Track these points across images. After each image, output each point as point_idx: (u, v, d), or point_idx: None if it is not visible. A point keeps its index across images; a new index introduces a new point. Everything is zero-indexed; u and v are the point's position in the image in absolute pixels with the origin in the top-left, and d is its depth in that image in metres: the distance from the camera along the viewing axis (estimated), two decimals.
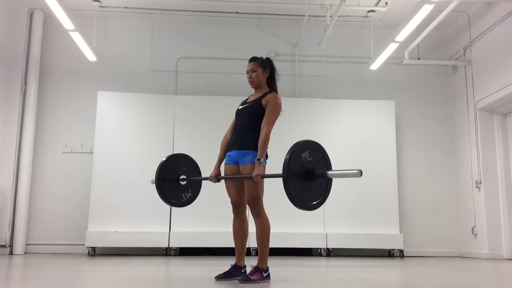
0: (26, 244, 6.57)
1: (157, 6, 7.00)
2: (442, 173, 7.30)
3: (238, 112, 3.58)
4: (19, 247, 6.42)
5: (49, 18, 6.92)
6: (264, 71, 3.55)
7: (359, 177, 2.74)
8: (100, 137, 6.52)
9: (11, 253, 6.41)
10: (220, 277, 3.42)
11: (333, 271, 4.58)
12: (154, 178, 3.68)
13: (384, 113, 6.99)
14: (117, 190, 6.38)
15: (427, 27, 6.41)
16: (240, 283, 3.23)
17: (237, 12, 7.10)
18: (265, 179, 3.36)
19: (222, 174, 3.55)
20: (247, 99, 3.64)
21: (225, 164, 3.54)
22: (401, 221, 6.80)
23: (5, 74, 6.76)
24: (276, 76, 3.61)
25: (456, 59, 7.24)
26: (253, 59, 3.59)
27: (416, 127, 7.39)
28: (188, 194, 3.82)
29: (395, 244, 6.63)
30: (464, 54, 7.06)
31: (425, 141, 7.38)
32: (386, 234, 6.61)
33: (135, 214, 6.32)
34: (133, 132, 6.63)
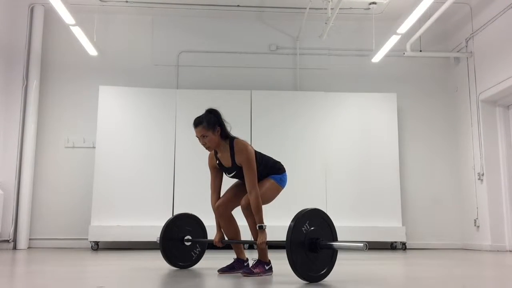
0: (30, 239, 6.60)
1: (158, 0, 6.98)
2: (444, 166, 7.29)
3: (231, 177, 3.44)
4: (22, 242, 6.45)
5: (49, 12, 6.91)
6: (215, 132, 3.27)
7: (364, 251, 2.70)
8: (102, 131, 6.53)
9: (14, 248, 6.44)
10: (223, 271, 3.43)
11: (335, 264, 4.58)
12: (158, 239, 3.72)
13: (386, 105, 6.98)
14: (119, 185, 6.40)
15: (428, 19, 6.38)
16: (243, 276, 3.24)
17: (238, 6, 7.07)
18: (272, 188, 3.35)
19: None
20: (218, 157, 3.39)
21: None
22: (404, 213, 6.80)
23: (6, 70, 6.76)
24: (227, 125, 3.35)
25: (458, 51, 7.21)
26: (198, 124, 3.30)
27: (418, 120, 7.38)
28: (197, 250, 3.87)
29: (398, 237, 6.64)
30: (466, 46, 7.04)
31: (427, 133, 7.37)
32: (388, 226, 6.62)
33: (137, 208, 6.33)
34: (134, 127, 6.63)
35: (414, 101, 7.41)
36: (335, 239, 3.01)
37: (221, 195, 3.50)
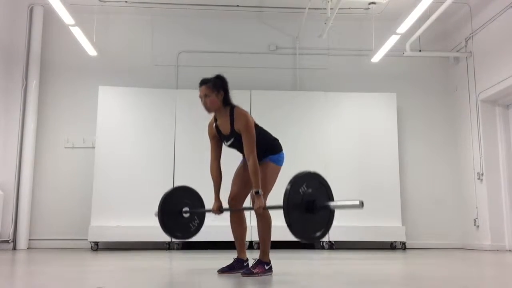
0: (29, 239, 6.59)
1: (157, 0, 6.97)
2: (444, 165, 7.29)
3: (229, 146, 3.47)
4: (22, 243, 6.45)
5: (49, 13, 6.90)
6: (218, 94, 3.32)
7: (360, 208, 2.72)
8: (101, 132, 6.52)
9: (14, 248, 6.44)
10: (223, 271, 3.43)
11: (335, 264, 4.59)
12: (157, 212, 3.69)
13: (385, 105, 6.98)
14: (119, 185, 6.40)
15: (428, 18, 6.37)
16: (243, 276, 3.24)
17: (238, 6, 7.07)
18: (271, 173, 3.35)
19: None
20: (217, 124, 3.44)
21: (241, 162, 3.54)
22: (403, 213, 6.80)
23: (5, 70, 6.76)
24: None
25: (457, 51, 7.21)
26: (204, 83, 3.35)
27: (417, 119, 7.38)
28: (196, 221, 3.83)
29: (397, 237, 6.64)
30: (465, 46, 7.03)
31: (427, 133, 7.37)
32: (388, 226, 6.61)
33: (137, 209, 6.32)
34: (134, 127, 6.63)
35: (413, 101, 7.41)
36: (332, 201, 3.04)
37: (229, 188, 3.52)
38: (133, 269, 3.92)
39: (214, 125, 3.47)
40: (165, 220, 3.62)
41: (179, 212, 3.72)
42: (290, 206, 2.80)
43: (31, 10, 6.96)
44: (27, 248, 6.49)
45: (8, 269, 4.02)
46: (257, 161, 3.23)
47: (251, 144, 3.25)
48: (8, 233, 6.44)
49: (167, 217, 3.64)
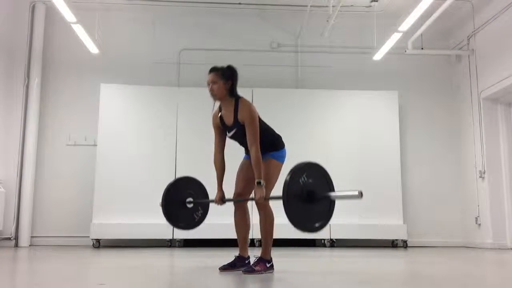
0: (31, 237, 6.61)
1: None
2: (445, 163, 7.29)
3: (231, 138, 3.49)
4: (24, 240, 6.46)
5: (51, 10, 6.90)
6: (225, 83, 3.37)
7: (359, 199, 2.73)
8: (103, 129, 6.53)
9: (16, 245, 6.45)
10: (224, 268, 3.44)
11: (336, 262, 4.59)
12: (161, 202, 3.68)
13: (387, 103, 6.97)
14: (120, 183, 6.40)
15: (430, 16, 6.36)
16: (244, 273, 3.24)
17: (240, 3, 7.06)
18: (274, 170, 3.35)
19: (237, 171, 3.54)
20: (220, 114, 3.47)
21: (244, 159, 3.55)
22: (405, 211, 6.79)
23: (7, 68, 6.76)
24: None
25: (459, 49, 7.19)
26: (213, 70, 3.41)
27: (419, 117, 7.37)
28: (199, 212, 3.83)
29: (399, 235, 6.63)
30: (467, 44, 7.02)
31: (429, 131, 7.36)
32: (389, 224, 6.61)
33: (139, 206, 6.33)
34: (136, 125, 6.63)
35: (415, 98, 7.40)
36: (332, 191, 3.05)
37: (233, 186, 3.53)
38: (134, 266, 3.93)
39: (218, 115, 3.49)
40: (169, 210, 3.63)
41: (183, 202, 3.72)
42: (290, 196, 2.81)
43: (33, 8, 6.96)
44: (29, 246, 6.50)
45: (10, 266, 4.03)
46: (260, 152, 3.24)
47: (254, 134, 3.27)
48: (10, 231, 6.46)
49: (171, 207, 3.64)
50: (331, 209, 3.02)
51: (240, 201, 3.48)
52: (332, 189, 3.04)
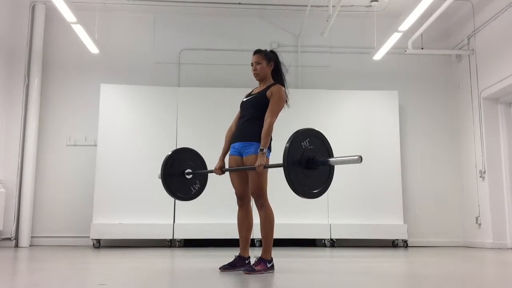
0: (31, 237, 6.61)
1: None
2: (446, 163, 7.29)
3: (243, 104, 3.59)
4: (24, 240, 6.46)
5: (51, 10, 6.90)
6: (268, 64, 3.55)
7: (359, 163, 2.76)
8: (103, 130, 6.53)
9: (16, 245, 6.45)
10: (225, 268, 3.44)
11: (337, 262, 4.59)
12: (160, 173, 3.69)
13: (387, 103, 6.97)
14: (121, 183, 6.40)
15: (430, 16, 6.37)
16: (245, 274, 3.25)
17: (240, 3, 7.07)
18: (269, 170, 3.36)
19: (227, 166, 3.57)
20: (252, 91, 3.65)
21: (229, 156, 3.56)
22: (405, 211, 6.80)
23: (7, 68, 6.76)
24: (283, 68, 3.63)
25: (460, 49, 7.19)
26: (258, 52, 3.58)
27: (419, 117, 7.37)
28: (197, 185, 3.85)
29: (399, 234, 6.63)
30: (468, 43, 7.02)
31: (429, 131, 7.36)
32: (390, 224, 6.62)
33: (139, 206, 6.34)
34: (136, 125, 6.63)
35: (415, 98, 7.40)
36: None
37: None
38: (134, 266, 3.93)
39: (246, 94, 3.64)
40: (167, 179, 3.67)
41: (182, 173, 3.77)
42: (290, 161, 2.84)
43: (33, 8, 6.96)
44: (29, 246, 6.51)
45: (10, 266, 4.03)
46: (272, 125, 3.35)
47: (275, 111, 3.40)
48: (10, 231, 6.46)
49: (170, 177, 3.69)
50: (330, 176, 3.08)
51: (237, 169, 3.47)
52: (332, 156, 3.09)
